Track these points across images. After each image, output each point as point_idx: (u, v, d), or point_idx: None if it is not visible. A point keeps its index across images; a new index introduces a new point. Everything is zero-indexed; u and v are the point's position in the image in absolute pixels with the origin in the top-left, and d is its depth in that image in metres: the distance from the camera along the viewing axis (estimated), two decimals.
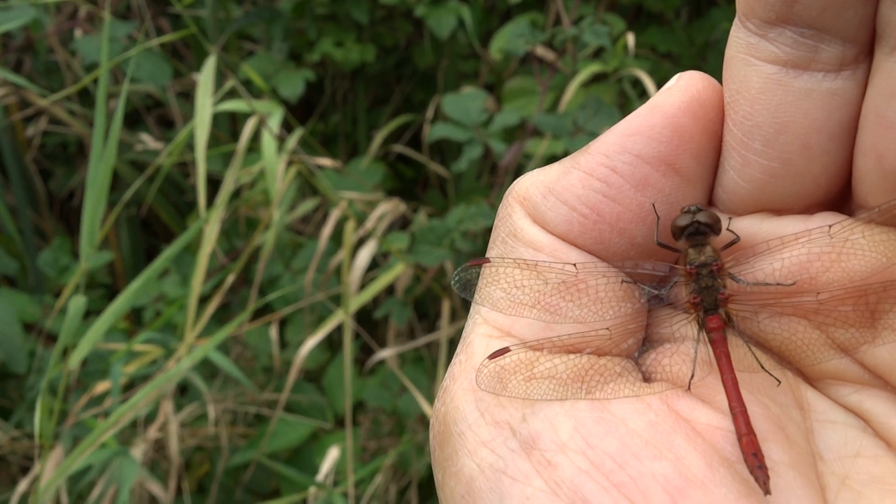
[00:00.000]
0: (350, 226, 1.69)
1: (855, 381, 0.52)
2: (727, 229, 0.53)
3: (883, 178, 0.48)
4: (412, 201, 2.20)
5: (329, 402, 2.00)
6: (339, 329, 2.07)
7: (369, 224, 1.86)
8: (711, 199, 0.54)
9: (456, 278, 0.56)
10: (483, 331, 0.54)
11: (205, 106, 1.53)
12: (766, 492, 0.45)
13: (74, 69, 2.38)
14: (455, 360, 0.54)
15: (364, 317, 2.12)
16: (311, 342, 1.72)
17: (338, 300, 1.95)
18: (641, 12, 2.44)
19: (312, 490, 1.67)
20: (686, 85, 0.51)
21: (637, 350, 0.55)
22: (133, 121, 2.51)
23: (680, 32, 2.31)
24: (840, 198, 0.52)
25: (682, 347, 0.54)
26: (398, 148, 2.30)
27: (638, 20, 2.42)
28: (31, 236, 2.34)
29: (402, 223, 2.17)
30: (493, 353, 0.51)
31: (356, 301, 1.74)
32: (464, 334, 0.55)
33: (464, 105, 1.57)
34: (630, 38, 1.70)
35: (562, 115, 1.53)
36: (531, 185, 0.54)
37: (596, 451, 0.46)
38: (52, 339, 2.07)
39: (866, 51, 0.47)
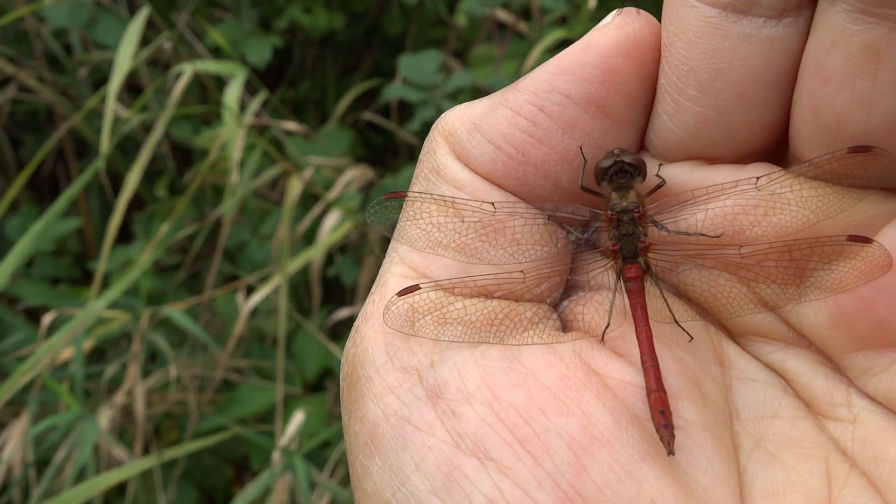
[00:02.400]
0: (293, 183, 1.68)
1: (779, 339, 0.51)
2: (656, 175, 0.52)
3: (819, 130, 0.47)
4: (381, 168, 2.20)
5: (298, 368, 2.00)
6: (308, 295, 2.07)
7: (335, 190, 1.86)
8: (643, 145, 0.53)
9: (371, 211, 0.54)
10: (399, 270, 0.52)
11: (126, 54, 1.52)
12: (670, 452, 0.45)
13: (43, 36, 2.36)
14: (369, 299, 0.53)
15: (335, 283, 2.12)
16: (254, 300, 1.72)
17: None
18: None
19: (276, 454, 1.68)
20: (622, 23, 0.50)
21: (557, 298, 0.54)
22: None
23: None
24: (777, 149, 0.51)
25: (600, 296, 0.53)
26: (367, 115, 2.30)
27: None
28: None
29: (369, 189, 2.17)
30: (403, 290, 0.50)
31: (295, 262, 1.73)
32: (379, 273, 0.54)
33: (420, 66, 1.57)
34: (592, 2, 1.70)
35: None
36: (457, 120, 0.52)
37: (502, 403, 0.46)
38: (12, 302, 2.07)
39: None
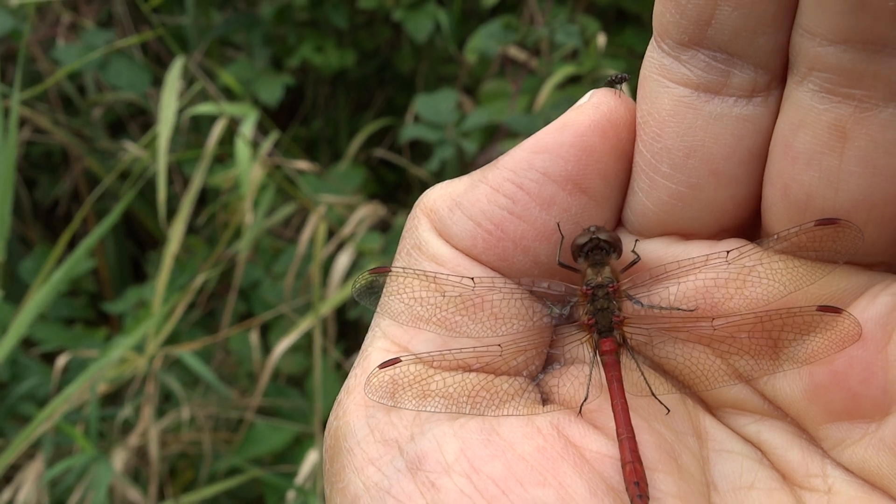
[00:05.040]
0: (321, 229, 1.69)
1: (755, 411, 0.52)
2: (631, 251, 0.53)
3: (788, 207, 0.48)
4: (394, 205, 2.20)
5: (313, 407, 2.00)
6: (322, 332, 2.07)
7: (348, 228, 1.86)
8: (620, 221, 0.54)
9: (356, 286, 0.55)
10: (381, 345, 0.53)
11: (169, 105, 1.53)
12: None
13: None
14: (351, 373, 0.53)
15: (351, 321, 2.12)
16: (284, 345, 1.72)
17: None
18: (623, 15, 2.44)
19: (291, 494, 1.67)
20: (598, 103, 0.51)
21: (537, 372, 0.55)
22: (116, 129, 2.52)
23: None
24: (750, 225, 0.52)
25: (578, 370, 0.54)
26: (379, 152, 2.31)
27: (618, 22, 2.42)
28: (15, 245, 2.35)
29: (382, 227, 2.17)
30: (384, 362, 0.51)
31: (327, 304, 1.74)
32: (362, 347, 0.55)
33: (436, 105, 1.58)
34: (601, 39, 1.71)
35: (534, 116, 1.53)
36: (438, 198, 0.54)
37: (480, 474, 0.46)
38: (28, 344, 2.07)
39: (779, 78, 0.47)
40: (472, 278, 0.52)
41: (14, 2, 1.92)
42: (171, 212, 2.40)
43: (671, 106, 0.48)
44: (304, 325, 1.75)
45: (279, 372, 2.04)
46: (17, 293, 2.30)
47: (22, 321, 1.42)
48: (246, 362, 2.04)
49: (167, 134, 1.59)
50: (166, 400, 2.03)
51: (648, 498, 0.46)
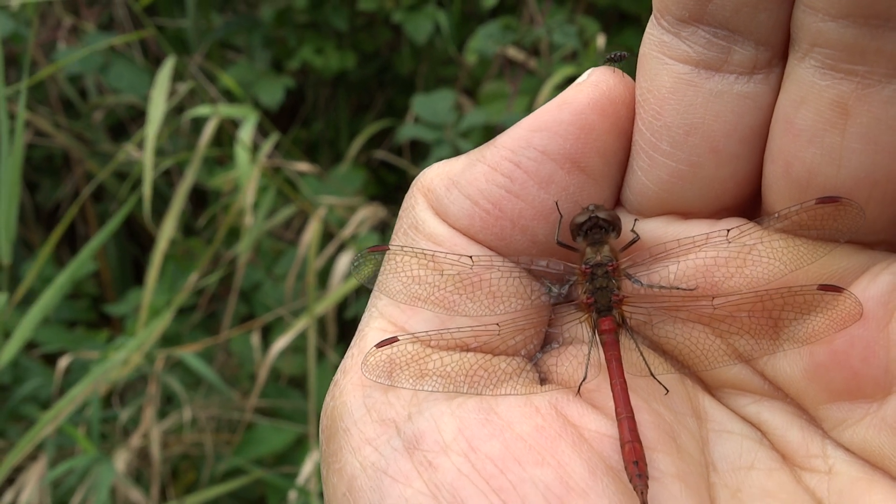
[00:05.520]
0: (315, 229, 1.69)
1: (755, 391, 0.52)
2: (631, 230, 0.53)
3: (789, 185, 0.48)
4: (395, 206, 2.20)
5: (314, 408, 2.00)
6: (322, 335, 2.07)
7: (349, 229, 1.86)
8: (619, 200, 0.54)
9: (355, 264, 0.55)
10: (378, 324, 0.53)
11: (158, 103, 1.54)
12: (643, 502, 0.45)
13: (58, 81, 2.39)
14: (348, 353, 0.53)
15: (350, 323, 2.12)
16: (280, 344, 1.72)
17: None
18: (623, 16, 2.45)
19: (293, 494, 1.67)
20: (596, 81, 0.51)
21: (535, 352, 0.54)
22: (118, 132, 2.52)
23: None
24: (751, 204, 0.52)
25: (577, 350, 0.54)
26: (380, 154, 2.31)
27: (618, 23, 2.43)
28: (17, 248, 2.35)
29: (382, 228, 2.18)
30: (381, 342, 0.51)
31: (323, 303, 1.74)
32: (359, 328, 0.54)
33: (434, 106, 1.58)
34: (601, 40, 1.71)
35: None
36: (436, 177, 0.53)
37: (478, 453, 0.46)
38: (30, 346, 2.08)
39: (780, 55, 0.47)
40: (471, 257, 0.52)
41: (14, 3, 1.93)
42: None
43: (671, 83, 0.48)
44: (300, 324, 1.75)
45: (280, 373, 2.05)
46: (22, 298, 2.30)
47: (25, 325, 1.43)
48: (247, 364, 2.04)
49: (154, 131, 1.59)
50: (168, 402, 2.04)
51: (648, 477, 0.46)
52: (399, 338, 0.51)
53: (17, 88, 1.47)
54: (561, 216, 0.51)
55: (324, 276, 1.97)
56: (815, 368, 0.49)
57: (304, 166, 1.98)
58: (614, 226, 0.52)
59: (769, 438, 0.51)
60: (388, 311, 0.53)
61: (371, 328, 0.53)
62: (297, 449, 1.94)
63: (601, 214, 0.52)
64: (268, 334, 2.08)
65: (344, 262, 1.85)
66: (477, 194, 0.51)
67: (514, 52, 1.79)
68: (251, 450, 1.87)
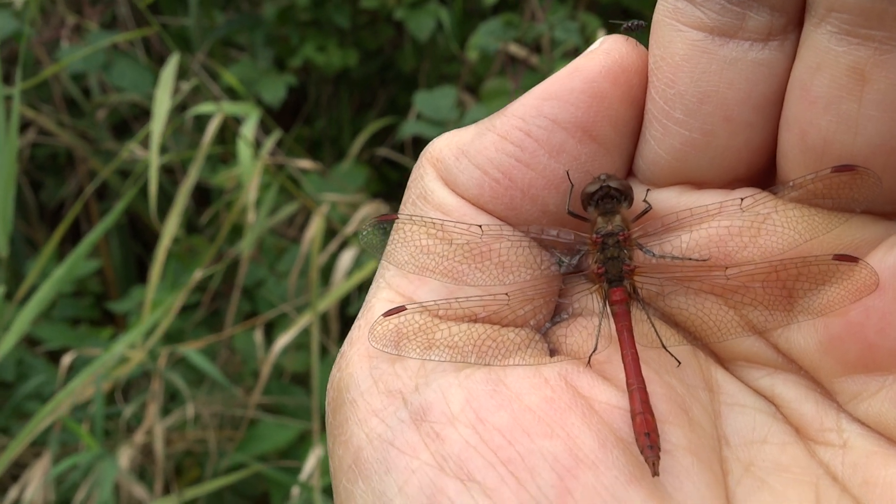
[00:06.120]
0: (318, 225, 1.69)
1: (768, 364, 0.51)
2: (643, 200, 0.52)
3: (805, 153, 0.47)
4: (397, 203, 2.20)
5: (317, 404, 2.00)
6: (325, 331, 2.08)
7: (352, 226, 1.87)
8: (631, 171, 0.53)
9: (363, 234, 0.54)
10: (385, 295, 0.52)
11: (163, 100, 1.54)
12: (654, 473, 0.44)
13: (62, 80, 2.39)
14: (355, 324, 0.52)
15: (354, 318, 2.12)
16: (283, 341, 1.73)
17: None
18: (627, 13, 2.45)
19: (295, 490, 1.68)
20: (608, 49, 0.50)
21: (544, 323, 0.54)
22: (121, 130, 2.53)
23: None
24: (765, 173, 0.51)
25: (588, 321, 0.53)
26: (382, 151, 2.31)
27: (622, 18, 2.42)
28: (21, 246, 2.36)
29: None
30: (388, 311, 0.50)
31: (326, 300, 1.74)
32: (366, 299, 0.54)
33: (435, 102, 1.59)
34: (600, 35, 1.71)
35: None
36: (445, 147, 0.52)
37: (486, 425, 0.45)
38: (33, 343, 2.08)
39: (795, 21, 0.46)
40: (480, 226, 0.51)
41: (18, 1, 1.93)
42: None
43: (685, 50, 0.47)
44: (303, 321, 1.75)
45: (283, 370, 2.05)
46: (25, 294, 2.31)
47: (24, 317, 1.43)
48: (250, 361, 2.04)
49: (160, 128, 1.59)
50: (172, 399, 2.04)
51: (659, 449, 0.45)
52: (407, 307, 0.51)
53: (15, 84, 1.47)
54: (572, 186, 0.50)
55: (327, 273, 1.97)
56: (830, 340, 0.48)
57: (306, 163, 1.98)
58: (626, 195, 0.51)
59: (783, 412, 0.50)
60: (395, 281, 0.53)
61: (378, 299, 0.52)
62: (301, 445, 1.94)
63: (613, 184, 0.51)
64: (271, 331, 2.08)
65: (346, 258, 1.85)
66: (487, 163, 0.50)
67: (515, 49, 1.79)
68: (254, 446, 1.88)
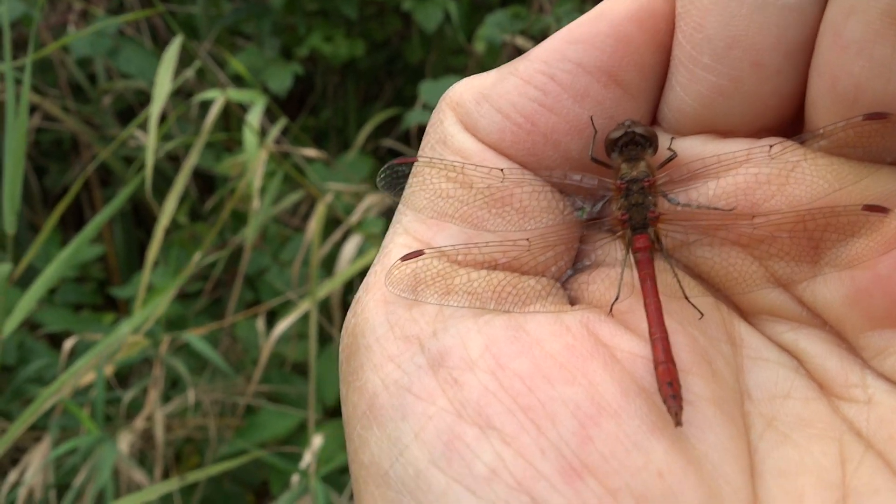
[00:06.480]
0: (321, 211, 1.69)
1: (792, 318, 0.50)
2: (668, 148, 0.50)
3: (835, 101, 0.45)
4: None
5: (318, 393, 2.00)
6: (328, 319, 2.08)
7: (356, 216, 1.87)
8: (656, 118, 0.51)
9: (382, 175, 0.53)
10: (403, 241, 0.51)
11: (164, 81, 1.54)
12: (678, 423, 0.43)
13: (68, 66, 2.40)
14: (371, 270, 0.51)
15: None
16: (282, 326, 1.73)
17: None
18: None
19: (295, 478, 1.68)
20: None
21: (565, 272, 0.52)
22: (127, 117, 2.53)
23: None
24: (792, 123, 0.49)
25: (610, 270, 0.52)
26: (388, 142, 2.31)
27: None
28: (24, 231, 2.36)
29: (389, 215, 2.18)
30: (406, 255, 0.49)
31: (325, 287, 1.74)
32: (383, 244, 0.52)
33: (440, 92, 1.58)
34: None
35: None
36: (465, 91, 0.51)
37: (506, 371, 0.44)
38: (34, 327, 2.08)
39: None
40: (502, 170, 0.50)
41: None
42: (180, 198, 2.42)
43: None
44: (304, 306, 1.76)
45: (285, 359, 2.05)
46: (27, 278, 2.31)
47: (28, 298, 1.43)
48: (252, 349, 2.04)
49: (158, 109, 1.59)
50: (173, 386, 2.05)
51: (682, 399, 0.44)
52: (425, 251, 0.49)
53: (23, 63, 1.47)
54: (596, 131, 0.49)
55: (331, 262, 1.97)
56: (857, 294, 0.47)
57: (311, 152, 1.98)
58: (651, 142, 0.50)
59: (806, 367, 0.49)
60: (413, 226, 0.51)
61: (395, 244, 0.51)
62: (301, 434, 1.94)
63: (638, 130, 0.49)
64: (273, 320, 2.09)
65: (350, 247, 1.85)
66: (508, 107, 0.49)
67: (522, 41, 1.78)
68: (255, 434, 1.88)
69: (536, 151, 0.50)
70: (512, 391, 0.43)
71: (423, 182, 0.51)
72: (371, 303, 0.49)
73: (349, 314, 0.51)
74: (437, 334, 0.47)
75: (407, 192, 0.51)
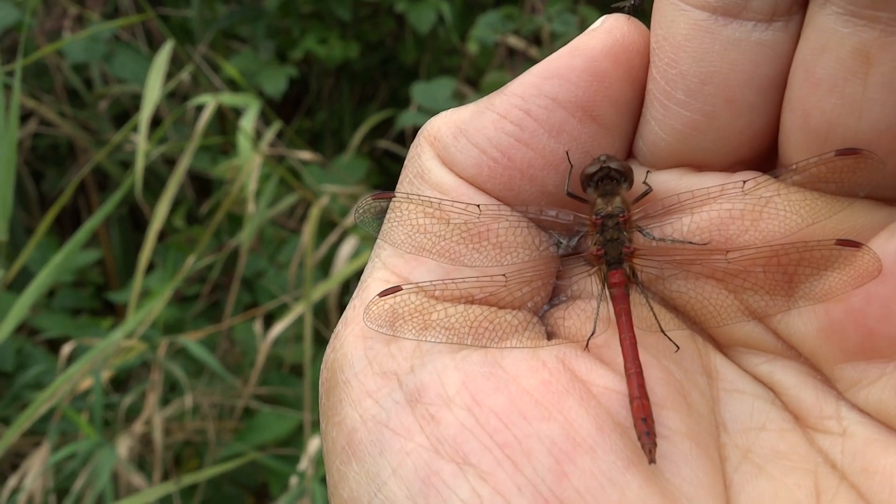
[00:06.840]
0: (315, 213, 1.69)
1: (767, 350, 0.50)
2: (643, 182, 0.51)
3: (808, 136, 0.46)
4: None
5: (315, 395, 2.00)
6: (324, 322, 2.08)
7: (351, 218, 1.87)
8: (632, 152, 0.52)
9: (359, 211, 0.53)
10: (381, 275, 0.51)
11: (154, 84, 1.55)
12: (651, 460, 0.43)
13: (63, 71, 2.40)
14: (350, 304, 0.52)
15: None
16: (278, 328, 1.73)
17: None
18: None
19: (294, 480, 1.68)
20: (610, 28, 0.48)
21: (542, 306, 0.53)
22: (122, 121, 2.53)
23: None
24: (766, 157, 0.50)
25: (586, 304, 0.52)
26: (383, 143, 2.31)
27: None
28: (22, 237, 2.36)
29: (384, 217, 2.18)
30: (384, 291, 0.49)
31: (320, 289, 1.75)
32: (361, 278, 0.52)
33: (433, 93, 1.59)
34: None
35: None
36: (443, 125, 0.51)
37: (483, 407, 0.44)
38: (33, 333, 2.09)
39: (800, 2, 0.45)
40: (478, 205, 0.50)
41: None
42: (177, 204, 2.42)
43: (688, 30, 0.46)
44: (298, 309, 1.76)
45: (283, 361, 2.05)
46: (22, 283, 2.31)
47: (23, 302, 1.44)
48: (250, 352, 2.04)
49: (148, 113, 1.60)
50: (171, 390, 2.05)
51: (656, 435, 0.44)
52: (402, 287, 0.50)
53: (13, 68, 1.47)
54: (571, 166, 0.50)
55: (326, 264, 1.97)
56: (831, 327, 0.47)
57: (306, 155, 1.98)
58: (626, 176, 0.50)
59: (782, 399, 0.49)
60: (391, 261, 0.52)
61: (374, 278, 0.51)
62: (300, 436, 1.94)
63: (613, 164, 0.50)
64: (271, 322, 2.09)
65: (346, 249, 1.85)
66: (485, 143, 0.49)
67: (514, 41, 1.79)
68: (253, 436, 1.88)
69: (513, 186, 0.50)
70: (488, 428, 0.44)
71: (401, 217, 0.51)
72: (350, 337, 0.50)
73: (328, 348, 0.51)
74: (415, 370, 0.47)
75: (385, 226, 0.52)
